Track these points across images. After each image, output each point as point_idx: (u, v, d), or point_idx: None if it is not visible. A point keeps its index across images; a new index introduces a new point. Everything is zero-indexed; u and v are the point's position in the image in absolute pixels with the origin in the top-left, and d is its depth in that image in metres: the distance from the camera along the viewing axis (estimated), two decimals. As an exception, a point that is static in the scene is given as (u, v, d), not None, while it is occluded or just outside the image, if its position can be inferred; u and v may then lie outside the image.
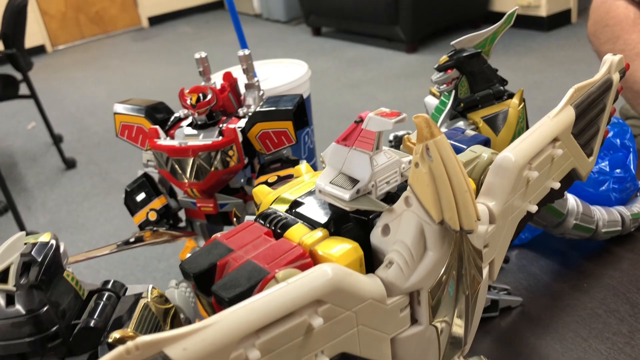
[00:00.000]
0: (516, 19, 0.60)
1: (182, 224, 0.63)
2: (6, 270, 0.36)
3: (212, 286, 0.30)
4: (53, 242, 0.39)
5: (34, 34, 5.30)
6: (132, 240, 0.57)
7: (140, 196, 0.60)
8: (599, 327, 0.61)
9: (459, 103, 0.60)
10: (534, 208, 0.38)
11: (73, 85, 4.46)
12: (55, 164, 3.10)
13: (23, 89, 2.99)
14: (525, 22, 3.87)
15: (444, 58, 0.60)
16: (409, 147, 0.31)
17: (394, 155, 0.33)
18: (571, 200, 0.66)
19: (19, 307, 0.36)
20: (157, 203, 0.59)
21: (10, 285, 0.36)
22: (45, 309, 0.36)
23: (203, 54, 0.61)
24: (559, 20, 3.90)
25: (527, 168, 0.37)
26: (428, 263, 0.30)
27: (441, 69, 0.59)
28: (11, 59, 2.88)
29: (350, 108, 3.12)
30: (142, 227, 0.60)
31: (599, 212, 0.69)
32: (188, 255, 0.62)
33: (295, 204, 0.36)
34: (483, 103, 0.60)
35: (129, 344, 0.23)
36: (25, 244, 0.38)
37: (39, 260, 0.37)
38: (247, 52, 0.61)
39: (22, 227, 2.43)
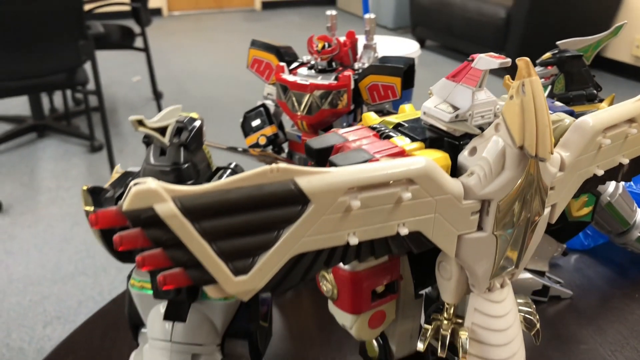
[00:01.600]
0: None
1: (284, 155, 0.71)
2: (164, 129, 0.45)
3: (330, 157, 0.38)
4: (200, 121, 0.48)
5: (155, -3, 5.65)
6: (240, 149, 0.67)
7: (256, 122, 0.69)
8: (641, 331, 0.65)
9: (553, 98, 0.65)
10: (600, 172, 0.44)
11: (180, 50, 4.72)
12: (151, 118, 3.31)
13: (137, 43, 3.22)
14: (637, 74, 3.72)
15: (546, 55, 0.65)
16: (507, 85, 0.38)
17: (493, 96, 0.40)
18: (640, 214, 0.71)
19: (168, 159, 0.45)
20: (269, 130, 0.68)
21: (166, 140, 0.45)
22: (187, 165, 0.46)
23: (334, 12, 0.70)
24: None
25: (602, 135, 0.43)
26: (503, 179, 0.37)
27: (543, 64, 0.65)
28: (135, 13, 3.11)
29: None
30: (251, 147, 0.69)
31: (666, 232, 0.72)
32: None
33: (399, 125, 0.44)
34: (574, 102, 0.65)
35: (273, 165, 0.32)
36: (179, 115, 0.48)
37: (189, 128, 0.47)
38: (372, 16, 0.69)
39: (113, 165, 2.64)
